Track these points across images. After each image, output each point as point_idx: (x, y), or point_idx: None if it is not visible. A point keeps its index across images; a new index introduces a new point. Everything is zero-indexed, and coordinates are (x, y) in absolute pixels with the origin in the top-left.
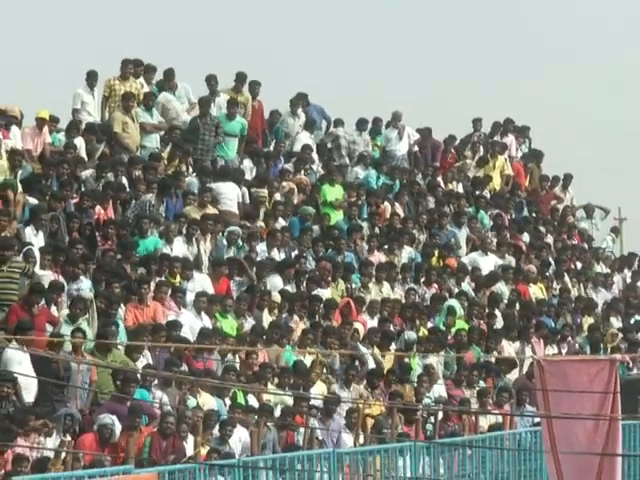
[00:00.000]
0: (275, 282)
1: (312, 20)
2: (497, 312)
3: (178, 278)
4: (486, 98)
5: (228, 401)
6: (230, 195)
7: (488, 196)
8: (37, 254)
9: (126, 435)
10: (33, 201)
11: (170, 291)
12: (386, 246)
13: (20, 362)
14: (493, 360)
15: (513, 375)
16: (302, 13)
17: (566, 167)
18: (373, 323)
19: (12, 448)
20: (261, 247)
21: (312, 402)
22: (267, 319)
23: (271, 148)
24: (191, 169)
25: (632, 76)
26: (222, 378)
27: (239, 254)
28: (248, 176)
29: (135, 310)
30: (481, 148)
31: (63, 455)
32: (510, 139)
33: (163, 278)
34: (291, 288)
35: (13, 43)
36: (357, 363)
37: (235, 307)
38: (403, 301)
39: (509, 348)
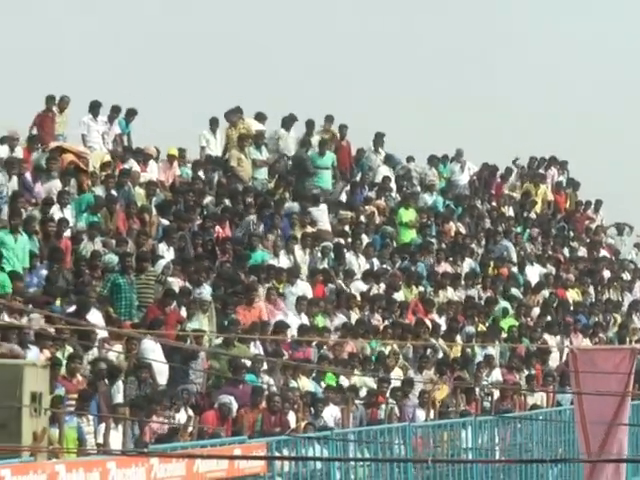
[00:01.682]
0: (359, 286)
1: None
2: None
3: (282, 284)
4: (533, 134)
5: (323, 384)
6: (323, 217)
7: (534, 217)
8: (169, 265)
9: (242, 411)
10: (165, 222)
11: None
12: (451, 258)
13: (154, 351)
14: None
15: (555, 363)
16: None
17: (598, 194)
18: (441, 321)
19: (150, 423)
20: (348, 258)
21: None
22: (354, 317)
23: (357, 179)
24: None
25: None
26: (318, 364)
27: (331, 265)
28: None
29: (244, 311)
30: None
31: (190, 428)
32: (553, 171)
33: (271, 284)
34: (374, 288)
35: (149, 96)
36: (428, 352)
37: (327, 308)
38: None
39: (551, 341)
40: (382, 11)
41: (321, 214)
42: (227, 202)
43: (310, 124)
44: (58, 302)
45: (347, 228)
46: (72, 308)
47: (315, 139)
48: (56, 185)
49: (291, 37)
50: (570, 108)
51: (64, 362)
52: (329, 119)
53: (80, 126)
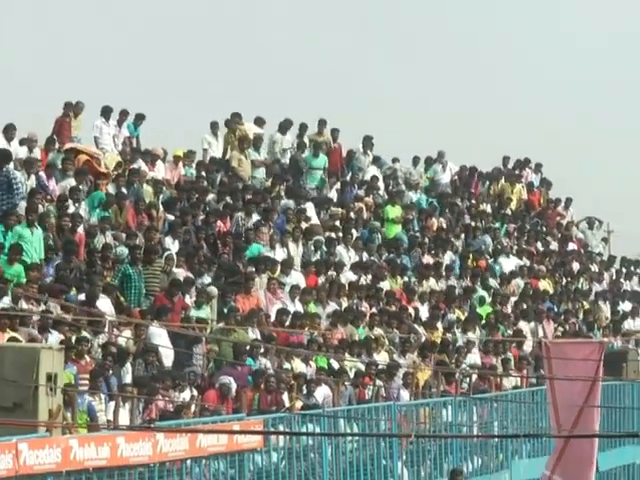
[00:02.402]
0: (348, 277)
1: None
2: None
3: (277, 274)
4: (512, 136)
5: (314, 366)
6: (311, 213)
7: (509, 213)
8: (173, 256)
9: (240, 391)
10: (171, 217)
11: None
12: (433, 251)
13: (160, 336)
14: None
15: (529, 348)
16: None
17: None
18: (424, 309)
19: (155, 401)
20: (339, 251)
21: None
22: (344, 305)
23: (347, 178)
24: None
25: None
26: (309, 348)
27: (322, 257)
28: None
29: (242, 299)
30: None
31: (193, 406)
32: (527, 172)
33: (268, 275)
34: (363, 279)
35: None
36: (412, 338)
37: (319, 296)
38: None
39: (526, 327)
40: (373, 16)
41: (309, 210)
42: (228, 199)
43: (303, 127)
44: (73, 291)
45: (338, 223)
46: (82, 296)
47: (308, 142)
48: (70, 183)
49: (288, 46)
50: (545, 114)
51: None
52: (322, 123)
53: (93, 129)
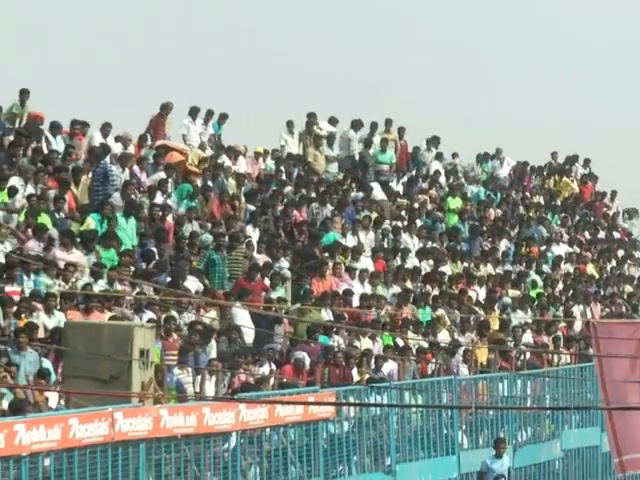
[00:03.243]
0: (413, 262)
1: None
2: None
3: (349, 260)
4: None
5: (381, 343)
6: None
7: (560, 205)
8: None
9: (314, 366)
10: (252, 208)
11: (344, 269)
12: (490, 239)
13: (242, 317)
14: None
15: (578, 327)
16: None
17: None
18: (481, 291)
19: (238, 375)
20: (404, 238)
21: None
22: (409, 287)
23: (413, 173)
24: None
25: None
26: (376, 327)
27: (390, 244)
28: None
29: (317, 282)
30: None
31: (272, 379)
32: (577, 167)
33: (340, 260)
34: (426, 264)
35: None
36: (469, 318)
37: (386, 279)
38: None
39: (575, 309)
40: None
41: (376, 190)
42: (304, 191)
43: (374, 126)
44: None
45: (404, 213)
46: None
47: (377, 139)
48: (160, 176)
49: (357, 53)
50: (594, 114)
51: (162, 324)
52: (389, 122)
53: (181, 128)
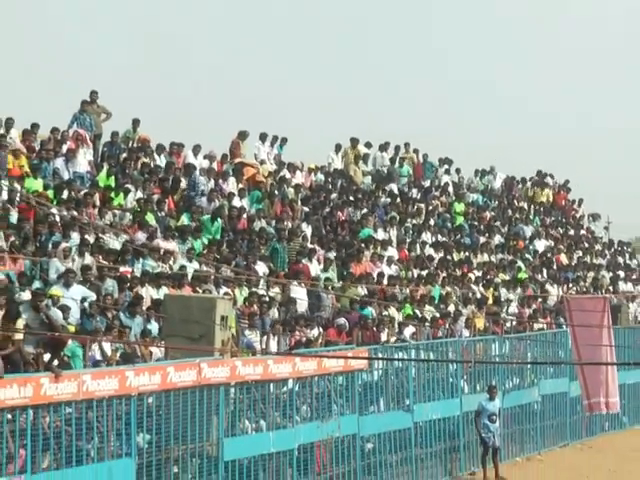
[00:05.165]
0: (430, 252)
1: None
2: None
3: (379, 249)
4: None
5: (403, 312)
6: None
7: (541, 209)
8: (309, 237)
9: (352, 329)
10: (306, 209)
11: (377, 256)
12: (486, 234)
13: (297, 292)
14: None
15: (552, 302)
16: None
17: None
18: (479, 274)
19: (294, 335)
20: (423, 236)
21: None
22: (425, 271)
23: (428, 183)
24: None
25: None
26: (399, 300)
27: (411, 238)
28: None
29: (356, 266)
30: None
31: (320, 339)
32: (554, 180)
33: (372, 250)
34: (437, 253)
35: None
36: (470, 294)
37: (408, 264)
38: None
39: (552, 287)
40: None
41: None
42: (345, 197)
43: (397, 148)
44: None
45: (421, 215)
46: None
47: (398, 158)
48: (233, 184)
49: (384, 85)
50: (567, 135)
51: (242, 297)
52: (407, 145)
53: (253, 148)
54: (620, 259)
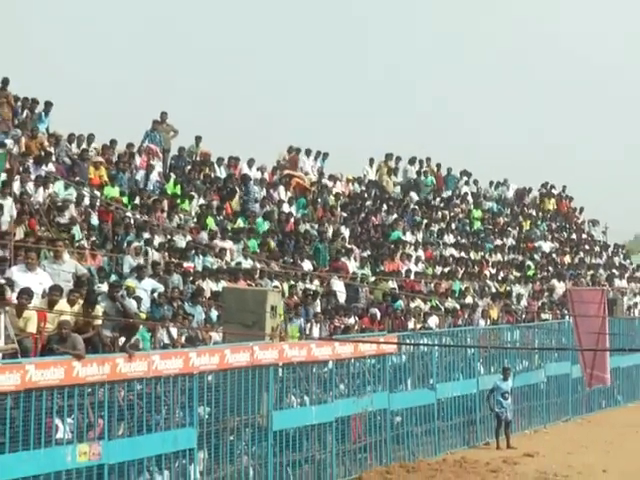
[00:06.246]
0: (451, 251)
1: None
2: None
3: (407, 249)
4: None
5: (429, 304)
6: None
7: (548, 216)
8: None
9: (384, 318)
10: (344, 214)
11: (405, 255)
12: (500, 237)
13: (337, 285)
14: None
15: (557, 296)
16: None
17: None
18: (493, 271)
19: (333, 323)
20: (445, 238)
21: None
22: (446, 269)
23: (450, 192)
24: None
25: None
26: (426, 294)
27: (435, 240)
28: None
29: (388, 264)
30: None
31: (356, 326)
32: (558, 190)
33: (401, 249)
34: (457, 253)
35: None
36: (485, 289)
37: (432, 263)
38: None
39: (556, 283)
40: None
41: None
42: (378, 204)
43: (422, 162)
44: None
45: (444, 220)
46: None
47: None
48: (282, 192)
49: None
50: (571, 154)
51: (286, 289)
52: (429, 159)
53: (299, 162)
54: (615, 259)
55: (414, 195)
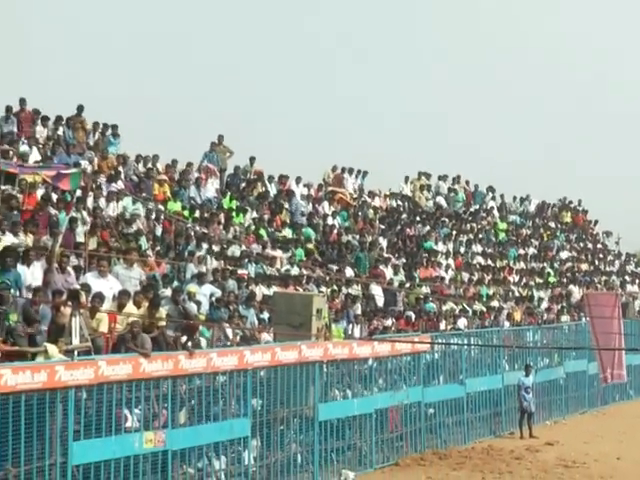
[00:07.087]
0: (479, 260)
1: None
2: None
3: (439, 258)
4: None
5: (458, 307)
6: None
7: (566, 227)
8: (384, 248)
9: (417, 319)
10: (382, 226)
11: (437, 263)
12: (523, 247)
13: (375, 290)
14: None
15: (574, 300)
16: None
17: (597, 215)
18: (517, 278)
19: (372, 324)
20: (473, 248)
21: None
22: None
23: (477, 206)
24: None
25: None
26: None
27: (464, 250)
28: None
29: (423, 271)
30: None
31: (393, 328)
32: (574, 204)
33: (434, 258)
34: (484, 261)
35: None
36: (510, 294)
37: (461, 270)
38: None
39: (574, 288)
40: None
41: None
42: (412, 217)
43: (454, 179)
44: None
45: (472, 232)
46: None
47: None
48: (330, 208)
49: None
50: (589, 170)
51: (330, 293)
52: (458, 177)
53: (342, 179)
54: (627, 267)
55: (447, 208)
